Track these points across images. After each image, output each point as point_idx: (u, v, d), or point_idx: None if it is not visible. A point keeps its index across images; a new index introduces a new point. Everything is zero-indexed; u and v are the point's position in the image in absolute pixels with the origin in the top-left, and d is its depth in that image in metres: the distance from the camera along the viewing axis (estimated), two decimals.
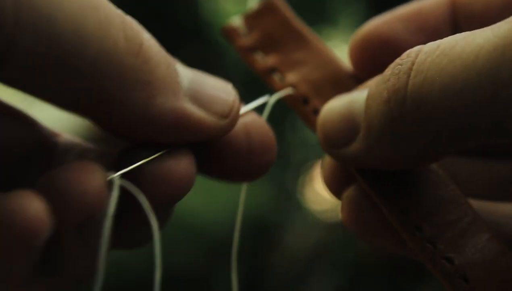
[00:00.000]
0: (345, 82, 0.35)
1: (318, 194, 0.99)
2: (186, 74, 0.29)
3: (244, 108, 0.32)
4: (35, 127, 0.33)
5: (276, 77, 0.35)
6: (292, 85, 0.35)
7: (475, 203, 0.32)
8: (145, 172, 0.28)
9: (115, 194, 0.27)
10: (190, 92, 0.29)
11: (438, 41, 0.27)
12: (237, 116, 0.31)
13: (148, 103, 0.27)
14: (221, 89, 0.30)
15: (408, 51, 0.28)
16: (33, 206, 0.24)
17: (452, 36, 0.27)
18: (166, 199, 0.28)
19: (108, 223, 0.26)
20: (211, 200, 0.95)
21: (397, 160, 0.29)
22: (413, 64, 0.27)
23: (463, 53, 0.25)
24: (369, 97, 0.29)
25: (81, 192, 0.25)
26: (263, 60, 0.36)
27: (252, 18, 0.37)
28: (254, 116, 0.33)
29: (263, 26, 0.36)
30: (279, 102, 0.34)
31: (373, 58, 0.34)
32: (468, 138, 0.26)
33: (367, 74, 0.34)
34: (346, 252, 0.96)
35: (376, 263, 0.95)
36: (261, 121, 0.32)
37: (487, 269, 0.30)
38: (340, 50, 0.36)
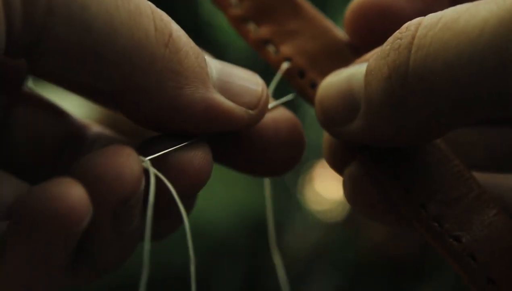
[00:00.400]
0: (341, 52, 0.34)
1: (318, 194, 0.99)
2: (215, 65, 0.30)
3: (272, 104, 0.32)
4: (67, 119, 0.33)
5: (270, 49, 0.34)
6: (287, 58, 0.34)
7: (480, 176, 0.32)
8: (163, 164, 0.28)
9: (153, 180, 0.26)
10: (219, 83, 0.29)
11: (439, 14, 0.26)
12: (265, 107, 0.31)
13: (178, 93, 0.27)
14: (249, 80, 0.30)
15: (407, 24, 0.27)
16: (73, 193, 0.24)
17: (453, 8, 0.26)
18: (184, 190, 0.28)
19: (150, 210, 0.26)
20: (211, 200, 0.95)
21: (399, 136, 0.28)
22: (413, 38, 0.26)
23: (467, 27, 0.25)
24: (368, 73, 0.28)
25: (118, 175, 0.25)
26: (256, 31, 0.35)
27: None
28: (283, 110, 0.33)
29: None
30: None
31: (370, 26, 0.34)
32: (471, 113, 0.26)
33: (364, 43, 0.34)
34: (346, 252, 0.96)
35: (376, 263, 0.94)
36: (290, 115, 0.32)
37: (495, 246, 0.29)
38: None
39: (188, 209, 0.30)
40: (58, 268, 0.26)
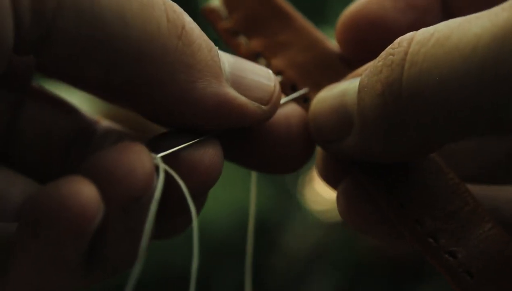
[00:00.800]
0: (333, 65, 0.34)
1: (318, 194, 0.99)
2: (228, 59, 0.29)
3: (284, 99, 0.32)
4: (75, 115, 0.33)
5: (261, 62, 0.34)
6: (279, 72, 0.34)
7: (474, 188, 0.32)
8: (174, 161, 0.27)
9: (162, 177, 0.26)
10: (232, 77, 0.29)
11: (431, 29, 0.26)
12: (278, 102, 0.30)
13: (191, 86, 0.27)
14: (262, 75, 0.30)
15: (399, 39, 0.27)
16: (84, 191, 0.24)
17: (445, 23, 0.26)
18: (194, 188, 0.28)
19: (153, 207, 0.25)
20: (211, 200, 0.94)
21: (394, 152, 0.28)
22: (406, 54, 0.26)
23: (460, 44, 0.24)
24: (361, 89, 0.28)
25: (130, 172, 0.25)
26: (247, 44, 0.34)
27: None
28: (294, 106, 0.32)
29: (243, 6, 0.35)
30: None
31: (362, 38, 0.33)
32: (465, 129, 0.26)
33: (356, 54, 0.33)
34: (346, 252, 0.96)
35: (376, 263, 0.94)
36: (301, 111, 0.32)
37: (491, 261, 0.29)
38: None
39: (198, 207, 0.30)
40: (69, 269, 0.26)
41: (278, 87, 0.30)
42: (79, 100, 0.37)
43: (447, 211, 0.30)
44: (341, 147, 0.30)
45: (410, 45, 0.26)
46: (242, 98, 0.28)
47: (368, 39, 0.33)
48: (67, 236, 0.24)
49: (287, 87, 0.33)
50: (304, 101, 0.33)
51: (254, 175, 0.36)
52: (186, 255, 0.30)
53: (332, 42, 0.35)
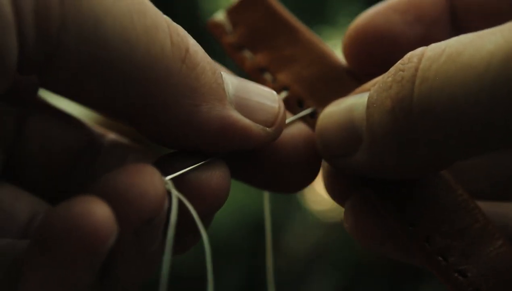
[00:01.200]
0: (339, 79, 0.33)
1: (318, 194, 0.99)
2: (231, 81, 0.29)
3: (289, 119, 0.31)
4: (81, 128, 0.33)
5: (267, 77, 0.34)
6: (285, 87, 0.33)
7: (485, 205, 0.31)
8: (181, 183, 0.27)
9: (175, 201, 0.26)
10: (236, 99, 0.29)
11: (442, 44, 0.26)
12: (282, 124, 0.30)
13: (194, 110, 0.27)
14: (266, 97, 0.30)
15: (409, 55, 0.27)
16: (98, 211, 0.23)
17: (456, 38, 0.26)
18: (202, 210, 0.27)
19: (171, 231, 0.25)
20: None
21: (404, 169, 0.28)
22: (416, 70, 0.26)
23: (473, 61, 0.24)
24: (370, 105, 0.28)
25: (143, 194, 0.24)
26: (252, 59, 0.34)
27: (235, 13, 0.34)
28: (300, 126, 0.32)
29: (247, 20, 0.34)
30: None
31: (369, 52, 0.33)
32: (478, 147, 0.25)
33: (363, 69, 0.33)
34: (346, 252, 0.96)
35: (376, 263, 0.94)
36: (307, 130, 0.32)
37: (501, 279, 0.28)
38: (340, 50, 0.35)
39: (206, 226, 0.29)
40: (80, 290, 0.25)
41: (282, 109, 0.30)
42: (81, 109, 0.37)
43: (457, 228, 0.29)
44: (349, 163, 0.29)
45: (420, 61, 0.26)
46: (246, 121, 0.28)
47: (375, 53, 0.32)
48: (79, 256, 0.23)
49: (293, 102, 0.33)
50: (311, 116, 0.32)
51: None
52: (186, 255, 0.30)
53: (337, 55, 0.34)
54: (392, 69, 0.27)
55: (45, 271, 0.24)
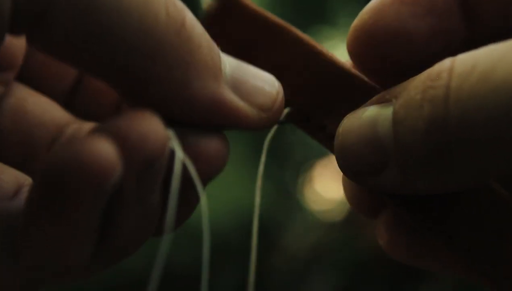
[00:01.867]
0: (344, 82, 0.30)
1: (318, 194, 0.99)
2: (229, 62, 0.28)
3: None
4: (59, 112, 0.33)
5: None
6: (286, 102, 0.30)
7: None
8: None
9: (178, 147, 0.26)
10: (232, 80, 0.28)
11: (471, 60, 0.25)
12: (280, 111, 0.29)
13: (186, 85, 0.26)
14: (265, 81, 0.29)
15: (437, 70, 0.26)
16: (104, 148, 0.23)
17: (485, 52, 0.25)
18: (198, 174, 0.27)
19: (177, 174, 0.25)
20: (211, 200, 0.95)
21: (442, 187, 0.27)
22: (448, 88, 0.25)
23: (508, 79, 0.23)
24: (397, 123, 0.26)
25: (144, 135, 0.24)
26: None
27: (212, 23, 0.31)
28: None
29: (227, 31, 0.31)
30: None
31: (378, 48, 0.30)
32: None
33: (371, 67, 0.31)
34: (346, 252, 0.96)
35: (376, 263, 0.94)
36: None
37: None
38: (340, 51, 0.34)
39: (196, 200, 0.29)
40: (81, 241, 0.25)
41: (281, 94, 0.29)
42: None
43: (505, 243, 0.27)
44: (378, 182, 0.28)
45: (451, 78, 0.25)
46: (239, 103, 0.28)
47: (385, 49, 0.30)
48: (82, 192, 0.23)
49: (299, 118, 0.31)
50: (319, 130, 0.30)
51: (259, 177, 0.35)
52: (186, 254, 0.30)
53: (333, 53, 0.31)
54: (419, 85, 0.26)
55: (48, 212, 0.24)
